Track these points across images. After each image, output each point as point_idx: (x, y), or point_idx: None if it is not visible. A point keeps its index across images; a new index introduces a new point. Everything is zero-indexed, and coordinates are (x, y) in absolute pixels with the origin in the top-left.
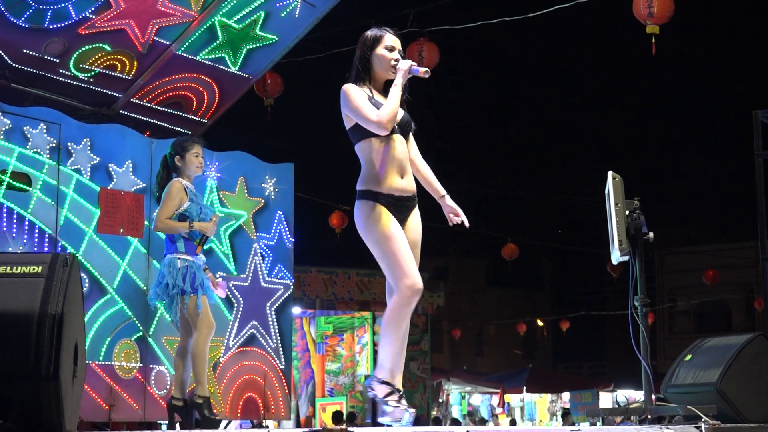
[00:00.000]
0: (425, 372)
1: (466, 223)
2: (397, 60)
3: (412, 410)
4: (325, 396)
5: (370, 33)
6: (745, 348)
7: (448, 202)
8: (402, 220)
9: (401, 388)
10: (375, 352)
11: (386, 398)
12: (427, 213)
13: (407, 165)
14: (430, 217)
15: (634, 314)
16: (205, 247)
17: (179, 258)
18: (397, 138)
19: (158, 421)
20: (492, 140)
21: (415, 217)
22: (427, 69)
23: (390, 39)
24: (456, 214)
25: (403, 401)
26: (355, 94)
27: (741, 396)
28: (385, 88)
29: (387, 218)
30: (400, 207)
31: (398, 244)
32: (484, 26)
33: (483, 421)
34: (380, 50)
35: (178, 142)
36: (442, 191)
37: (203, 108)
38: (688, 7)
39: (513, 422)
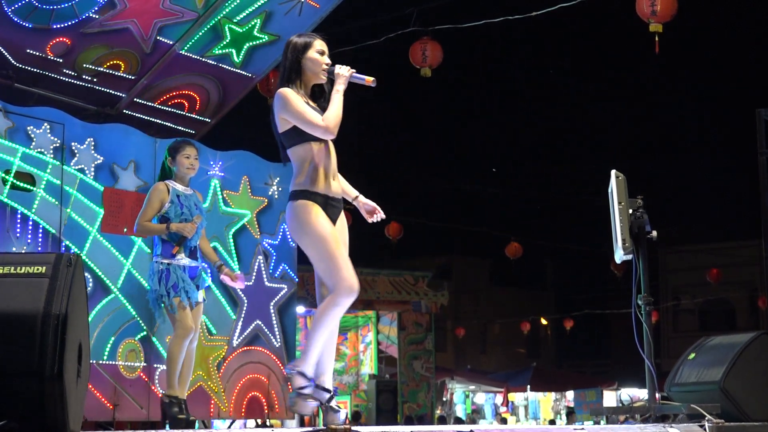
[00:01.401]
0: (429, 371)
1: (383, 216)
2: (328, 64)
3: (344, 411)
4: None
5: (299, 39)
6: (748, 346)
7: (363, 201)
8: (333, 222)
9: (331, 389)
10: (379, 352)
11: (300, 390)
12: (428, 213)
13: (336, 169)
14: (432, 217)
15: (638, 313)
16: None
17: (156, 261)
18: (331, 143)
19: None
20: (495, 139)
21: (342, 220)
22: (374, 78)
23: (320, 44)
24: (374, 212)
25: (320, 394)
26: (294, 98)
27: (745, 394)
28: (312, 93)
29: (325, 219)
30: (333, 209)
31: (337, 245)
32: (488, 25)
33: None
34: (312, 54)
35: (172, 144)
36: (355, 192)
37: (207, 107)
38: (692, 6)
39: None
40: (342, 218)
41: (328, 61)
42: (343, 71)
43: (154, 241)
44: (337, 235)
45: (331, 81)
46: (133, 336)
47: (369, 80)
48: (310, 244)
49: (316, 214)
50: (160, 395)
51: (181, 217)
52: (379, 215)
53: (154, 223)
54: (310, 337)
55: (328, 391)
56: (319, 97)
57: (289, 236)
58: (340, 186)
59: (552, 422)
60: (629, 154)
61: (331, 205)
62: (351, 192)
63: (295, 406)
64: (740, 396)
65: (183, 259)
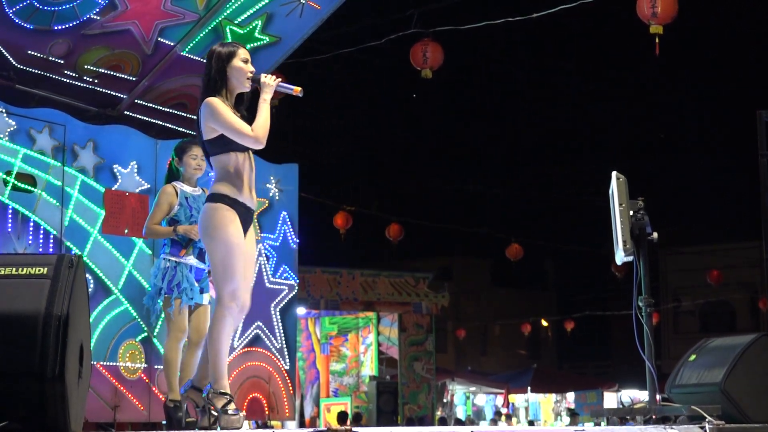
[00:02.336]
0: (430, 372)
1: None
2: (252, 72)
3: (243, 413)
4: (329, 396)
5: (222, 48)
6: (749, 348)
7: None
8: (244, 232)
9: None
10: (380, 353)
11: (226, 407)
12: (429, 215)
13: (254, 181)
14: (433, 218)
15: (639, 314)
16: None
17: (163, 258)
18: (251, 154)
19: (162, 422)
20: (496, 140)
21: (251, 232)
22: (300, 88)
23: (243, 52)
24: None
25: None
26: (223, 108)
27: (745, 396)
28: (236, 102)
29: (238, 228)
30: (247, 219)
31: (240, 257)
32: (488, 26)
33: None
34: (237, 62)
35: (179, 144)
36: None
37: None
38: (692, 6)
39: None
40: (251, 231)
41: (253, 69)
42: (269, 80)
43: (165, 240)
44: (244, 248)
45: (255, 89)
46: (133, 337)
47: (297, 90)
48: (215, 249)
49: (232, 221)
50: (164, 399)
51: (191, 219)
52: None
53: (162, 226)
54: (210, 354)
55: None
56: (240, 105)
57: (289, 237)
58: (255, 197)
59: (531, 423)
60: (630, 155)
61: (247, 215)
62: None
63: (228, 425)
64: (741, 397)
65: (191, 260)
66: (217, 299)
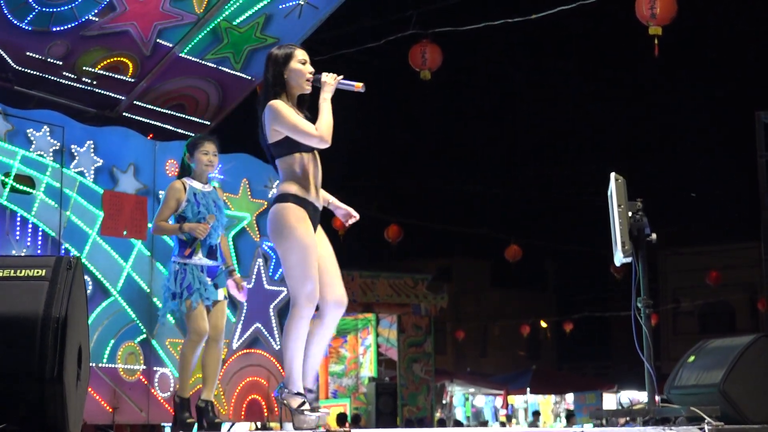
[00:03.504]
0: (429, 373)
1: (357, 217)
2: (312, 72)
3: (324, 411)
4: (328, 398)
5: (279, 51)
6: (748, 349)
7: (337, 204)
8: (314, 230)
9: (313, 388)
10: (379, 354)
11: (301, 408)
12: (428, 215)
13: (321, 180)
14: (433, 219)
15: (638, 315)
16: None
17: (173, 261)
18: (317, 154)
19: (162, 424)
20: (495, 141)
21: (322, 232)
22: (362, 84)
23: (301, 53)
24: (349, 216)
25: (316, 403)
26: (286, 110)
27: (744, 397)
28: (298, 103)
29: (309, 227)
30: (315, 219)
31: (313, 257)
32: (487, 27)
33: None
34: (295, 65)
35: (191, 140)
36: (330, 197)
37: (206, 110)
38: (691, 6)
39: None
40: (320, 230)
41: (312, 69)
42: (329, 79)
43: (174, 241)
44: (316, 248)
45: (317, 89)
46: (132, 339)
47: (358, 86)
48: (288, 250)
49: (303, 220)
50: (162, 401)
51: (198, 216)
52: (354, 218)
53: (169, 224)
54: (284, 354)
55: (310, 392)
56: (303, 106)
57: None
58: (322, 196)
59: (536, 414)
60: (629, 155)
61: (315, 215)
62: (327, 197)
63: (301, 425)
64: (740, 399)
65: (201, 259)
66: (292, 301)
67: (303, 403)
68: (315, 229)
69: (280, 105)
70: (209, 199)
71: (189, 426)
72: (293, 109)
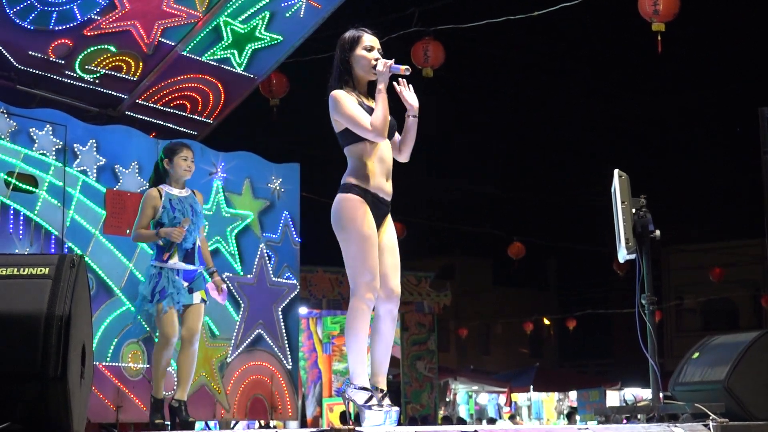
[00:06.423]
0: (432, 371)
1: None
2: (377, 59)
3: (396, 408)
4: (332, 396)
5: (348, 35)
6: (752, 345)
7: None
8: (378, 224)
9: (384, 388)
10: None
11: (368, 403)
12: (430, 214)
13: (391, 169)
14: (436, 216)
15: (641, 312)
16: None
17: (151, 265)
18: (386, 141)
19: (165, 422)
20: (498, 138)
21: (390, 223)
22: (407, 66)
23: (369, 39)
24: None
25: (386, 400)
26: (346, 100)
27: (749, 393)
28: (368, 89)
29: (369, 218)
30: (379, 209)
31: (373, 248)
32: (490, 25)
33: (492, 421)
34: (360, 51)
35: (168, 145)
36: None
37: (209, 109)
38: (694, 3)
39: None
40: (389, 221)
41: (377, 56)
42: (380, 66)
43: (153, 247)
44: (375, 239)
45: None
46: (136, 337)
47: (403, 69)
48: (346, 240)
49: (362, 212)
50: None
51: (174, 221)
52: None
53: (147, 231)
54: (348, 348)
55: (381, 391)
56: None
57: (291, 237)
58: (391, 187)
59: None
60: (632, 152)
61: (380, 205)
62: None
63: (368, 421)
64: (744, 395)
65: (176, 263)
66: (352, 292)
67: (370, 398)
68: (381, 219)
69: (339, 95)
70: (186, 204)
71: (159, 426)
72: (357, 98)
